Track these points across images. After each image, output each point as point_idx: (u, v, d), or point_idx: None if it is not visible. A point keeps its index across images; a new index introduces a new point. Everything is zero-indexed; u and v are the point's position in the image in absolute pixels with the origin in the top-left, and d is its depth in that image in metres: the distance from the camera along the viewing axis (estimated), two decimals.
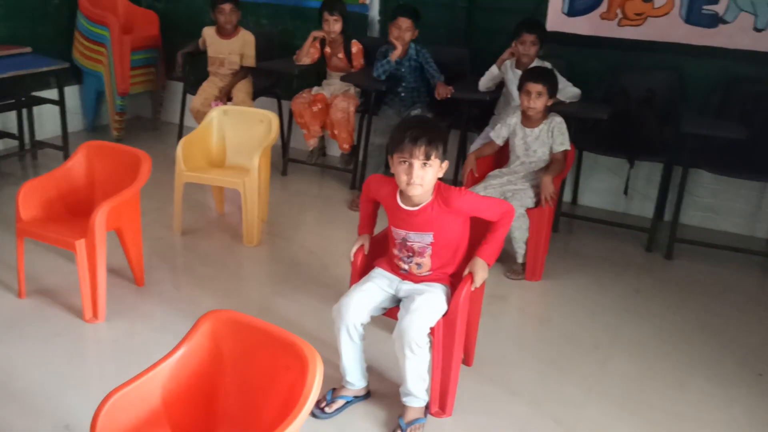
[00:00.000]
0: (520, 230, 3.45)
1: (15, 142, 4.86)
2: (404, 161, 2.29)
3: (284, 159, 4.81)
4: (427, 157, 2.27)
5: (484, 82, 4.11)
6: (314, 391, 1.67)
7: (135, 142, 4.75)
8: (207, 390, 1.87)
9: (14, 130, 4.81)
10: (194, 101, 4.67)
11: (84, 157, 3.20)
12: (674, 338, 3.07)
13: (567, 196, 4.45)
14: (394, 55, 4.21)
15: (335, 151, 5.01)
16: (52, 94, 4.72)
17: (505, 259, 3.60)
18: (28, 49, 4.69)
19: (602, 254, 3.90)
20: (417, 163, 2.27)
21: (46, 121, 4.92)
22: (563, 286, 3.51)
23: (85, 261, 2.86)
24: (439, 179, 2.41)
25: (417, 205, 2.38)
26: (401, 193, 2.41)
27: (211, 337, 1.88)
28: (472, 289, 2.42)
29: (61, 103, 4.56)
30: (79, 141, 4.88)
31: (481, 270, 2.42)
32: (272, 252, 3.74)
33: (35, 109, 4.76)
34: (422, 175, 2.29)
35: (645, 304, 3.36)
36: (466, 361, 2.77)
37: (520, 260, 3.55)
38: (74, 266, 3.29)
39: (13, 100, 4.61)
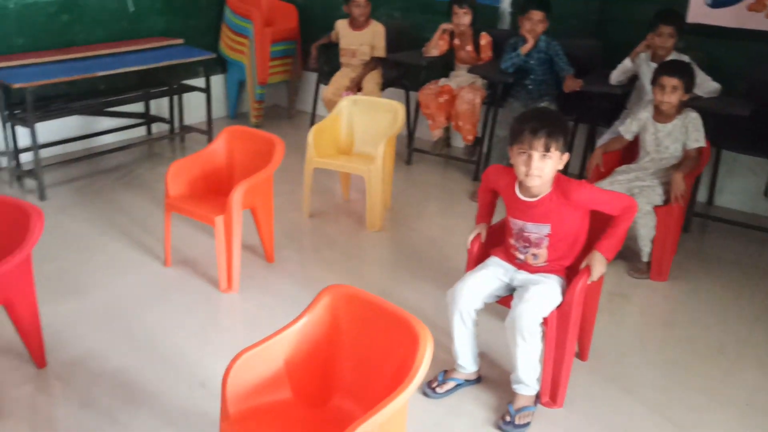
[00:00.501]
0: (646, 228, 3.35)
1: (166, 126, 5.30)
2: (523, 152, 2.32)
3: (409, 149, 4.92)
4: (547, 149, 2.29)
5: (616, 75, 4.00)
6: (424, 365, 1.75)
7: (271, 129, 4.99)
8: (325, 358, 2.01)
9: (165, 115, 5.24)
10: (326, 91, 4.88)
11: (225, 141, 3.46)
12: None
13: (702, 196, 4.26)
14: (525, 49, 4.19)
15: (460, 142, 5.06)
16: (199, 82, 5.09)
17: (630, 256, 3.51)
18: (181, 41, 5.08)
19: (736, 258, 3.70)
20: (536, 155, 2.29)
21: (194, 108, 5.32)
22: (690, 289, 3.38)
23: (222, 236, 3.10)
24: (560, 171, 2.41)
25: (535, 196, 2.40)
26: (520, 183, 2.43)
27: (330, 310, 2.01)
28: (589, 282, 2.40)
29: (207, 91, 4.91)
30: (221, 126, 5.26)
31: (598, 264, 2.40)
32: (394, 238, 3.86)
33: (184, 96, 5.16)
34: (541, 166, 2.30)
35: None
36: (581, 355, 2.75)
37: (645, 259, 3.45)
38: (213, 241, 3.58)
39: (166, 88, 5.02)
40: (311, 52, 5.04)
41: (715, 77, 3.77)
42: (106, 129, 5.05)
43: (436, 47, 4.61)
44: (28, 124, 4.03)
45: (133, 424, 2.36)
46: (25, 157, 4.45)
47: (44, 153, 4.42)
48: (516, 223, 2.48)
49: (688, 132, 3.37)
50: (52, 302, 2.98)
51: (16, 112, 4.25)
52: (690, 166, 3.37)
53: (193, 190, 3.37)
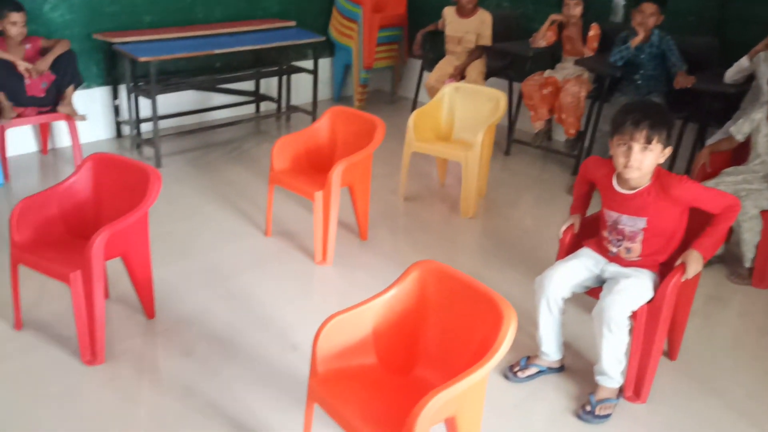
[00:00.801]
0: (751, 232, 3.23)
1: (273, 105, 5.52)
2: (624, 143, 2.30)
3: (508, 139, 4.92)
4: (648, 141, 2.26)
5: (731, 74, 3.85)
6: (506, 342, 1.79)
7: (373, 113, 5.15)
8: (410, 328, 2.08)
9: (274, 94, 5.46)
10: (430, 78, 4.94)
11: (329, 120, 3.60)
12: None
13: None
14: (635, 41, 4.10)
15: (560, 135, 5.01)
16: (307, 64, 5.29)
17: (731, 261, 3.40)
18: (293, 23, 5.28)
19: None
20: (636, 147, 2.27)
21: (300, 88, 5.51)
22: None
23: (320, 210, 3.24)
24: (660, 165, 2.38)
25: (633, 188, 2.38)
26: (618, 175, 2.41)
27: (419, 283, 2.08)
28: (683, 280, 2.36)
29: (315, 72, 5.09)
30: (325, 108, 5.44)
31: (694, 262, 2.35)
32: (486, 225, 3.89)
33: (292, 76, 5.35)
34: (640, 158, 2.28)
35: None
36: (670, 354, 2.71)
37: (747, 264, 3.32)
38: (311, 215, 3.74)
39: (277, 68, 5.23)
40: (416, 39, 5.11)
41: None
42: (218, 105, 5.33)
43: (544, 38, 4.57)
44: (151, 95, 4.32)
45: (229, 377, 2.53)
46: (144, 127, 4.77)
47: (161, 124, 4.72)
48: (611, 215, 2.46)
49: None
50: (162, 262, 3.20)
51: (140, 84, 4.57)
52: None
53: (296, 166, 3.52)
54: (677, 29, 4.23)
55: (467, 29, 4.84)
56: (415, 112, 3.98)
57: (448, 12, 4.94)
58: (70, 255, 2.57)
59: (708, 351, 2.82)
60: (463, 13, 4.85)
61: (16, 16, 3.99)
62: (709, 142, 3.76)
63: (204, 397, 2.43)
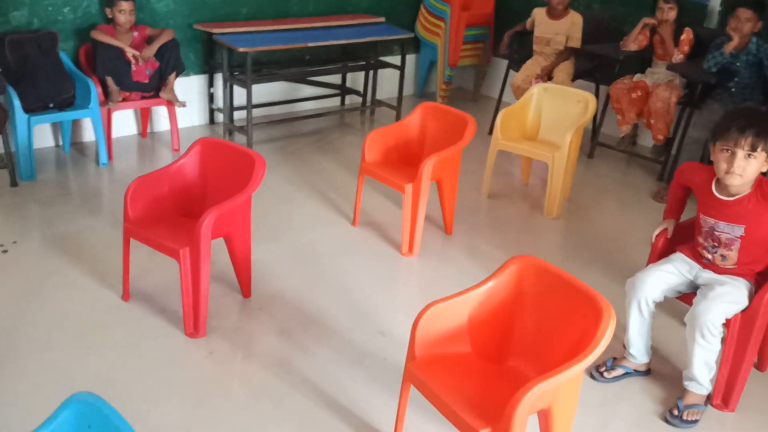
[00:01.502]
0: None
1: (358, 99, 5.65)
2: (727, 150, 2.29)
3: (593, 142, 4.90)
4: (753, 149, 2.25)
5: None
6: (606, 338, 1.84)
7: None
8: (506, 320, 2.15)
9: (359, 88, 5.58)
10: (516, 77, 4.96)
11: (420, 115, 3.68)
12: None
13: None
14: (729, 47, 4.02)
15: (646, 140, 4.95)
16: (393, 60, 5.38)
17: None
18: (382, 19, 5.38)
19: None
20: (740, 153, 2.26)
21: (385, 83, 5.61)
22: None
23: (409, 203, 3.33)
24: (763, 174, 2.36)
25: (733, 195, 2.37)
26: (717, 181, 2.41)
27: (516, 277, 2.14)
28: None
29: (402, 68, 5.18)
30: (408, 103, 5.55)
31: None
32: (569, 226, 3.90)
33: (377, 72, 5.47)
34: (744, 165, 2.27)
35: None
36: (760, 365, 2.69)
37: None
38: (397, 207, 3.83)
39: (364, 62, 5.35)
40: (503, 39, 5.14)
41: None
42: (305, 96, 5.48)
43: (635, 41, 4.53)
44: (246, 85, 4.49)
45: (321, 357, 2.65)
46: (236, 115, 4.96)
47: (252, 113, 4.90)
48: (707, 221, 2.46)
49: None
50: (256, 244, 3.34)
51: (235, 73, 4.75)
52: None
53: (385, 158, 3.62)
54: None
55: (557, 31, 4.84)
56: (502, 111, 4.02)
57: (538, 13, 4.95)
58: (179, 232, 2.74)
59: None
60: (554, 14, 4.85)
61: (124, 5, 4.22)
62: None
63: (299, 373, 2.55)
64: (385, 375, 2.57)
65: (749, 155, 2.26)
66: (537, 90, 4.16)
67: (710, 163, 2.41)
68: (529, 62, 4.99)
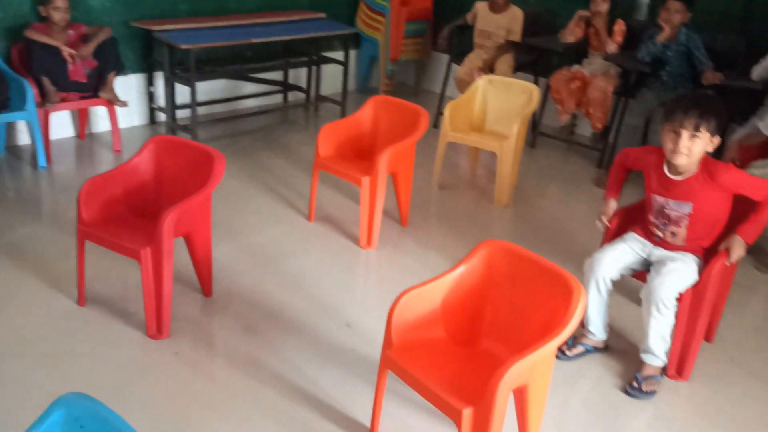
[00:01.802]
0: None
1: (301, 95, 5.63)
2: (673, 130, 2.42)
3: (534, 132, 5.04)
4: (696, 129, 2.38)
5: (758, 72, 3.98)
6: (576, 316, 1.92)
7: None
8: (478, 303, 2.21)
9: (302, 85, 5.56)
10: (459, 71, 5.06)
11: (372, 109, 3.71)
12: None
13: None
14: (661, 37, 4.22)
15: (584, 129, 5.13)
16: (333, 55, 5.39)
17: (756, 251, 3.53)
18: (323, 15, 5.38)
19: None
20: (685, 134, 2.39)
21: (326, 79, 5.61)
22: None
23: (367, 195, 3.35)
24: (708, 154, 2.50)
25: (682, 174, 2.50)
26: (668, 161, 2.53)
27: (486, 261, 2.21)
28: (727, 264, 2.49)
29: (345, 64, 5.20)
30: (351, 99, 5.56)
31: (738, 247, 2.48)
32: (519, 214, 4.02)
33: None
34: (689, 145, 2.40)
35: None
36: (708, 336, 2.84)
37: None
38: (353, 202, 3.85)
39: (307, 58, 5.34)
40: (442, 33, 5.21)
41: None
42: (247, 94, 5.43)
43: (572, 34, 4.69)
44: (190, 83, 4.42)
45: (289, 352, 2.65)
46: (179, 114, 4.87)
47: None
48: (657, 200, 2.58)
49: None
50: (212, 243, 3.31)
51: (177, 71, 4.66)
52: None
53: (339, 152, 3.63)
54: (703, 27, 4.35)
55: (499, 24, 4.96)
56: (450, 104, 4.09)
57: (481, 6, 5.05)
58: (136, 233, 2.68)
59: (740, 335, 2.96)
60: (496, 8, 4.96)
61: (59, 2, 4.09)
62: (735, 137, 3.89)
63: (270, 369, 2.54)
64: (355, 366, 2.59)
65: (693, 135, 2.39)
66: (482, 82, 4.26)
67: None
68: (471, 55, 5.08)
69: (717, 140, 2.45)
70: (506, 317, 2.17)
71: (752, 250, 3.53)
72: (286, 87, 5.58)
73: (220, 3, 5.08)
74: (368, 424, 2.28)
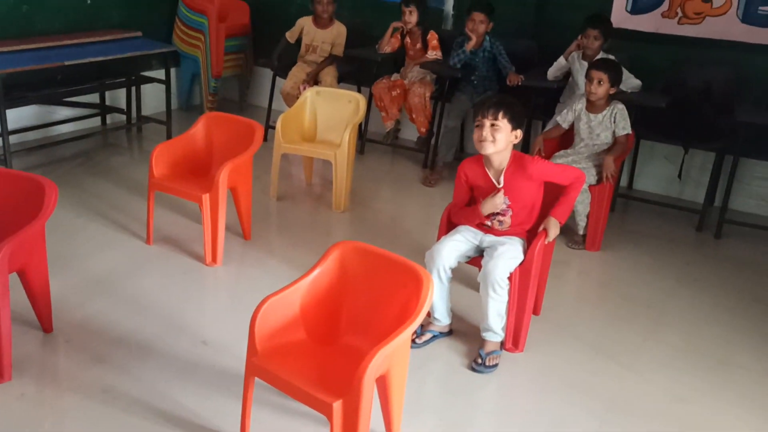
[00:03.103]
0: (582, 204, 3.83)
1: (121, 117, 5.42)
2: (478, 123, 2.73)
3: (362, 139, 5.26)
4: (495, 117, 2.69)
5: (552, 72, 4.48)
6: (428, 302, 2.10)
7: None
8: (335, 302, 2.33)
9: (121, 106, 5.36)
10: (285, 85, 5.15)
11: (205, 126, 3.70)
12: (721, 302, 3.43)
13: (623, 181, 4.80)
14: (469, 46, 4.62)
15: (409, 134, 5.44)
16: (152, 74, 5.26)
17: (566, 231, 3.98)
18: (139, 33, 5.23)
19: (655, 232, 4.25)
20: (486, 122, 2.70)
21: (146, 99, 5.44)
22: (620, 257, 3.88)
23: (208, 212, 3.35)
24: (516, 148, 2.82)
25: (498, 171, 2.80)
26: (486, 159, 2.82)
27: (339, 261, 2.33)
28: (546, 242, 2.82)
29: (167, 82, 5.09)
30: (176, 117, 5.45)
31: (553, 227, 2.82)
32: (358, 217, 4.20)
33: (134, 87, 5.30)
34: (491, 132, 2.69)
35: (695, 274, 3.72)
36: (535, 310, 3.17)
37: (581, 232, 3.93)
38: (191, 221, 3.82)
39: (124, 79, 5.16)
40: (273, 57, 5.28)
41: (637, 75, 4.30)
42: (62, 119, 5.14)
43: (388, 44, 4.97)
44: None
45: (147, 376, 2.60)
46: None
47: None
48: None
49: (616, 121, 3.87)
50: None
51: None
52: (619, 150, 3.87)
53: (174, 172, 3.58)
54: (503, 33, 4.81)
55: (324, 39, 5.13)
56: (281, 116, 4.18)
57: (306, 21, 5.19)
58: None
59: (562, 304, 3.34)
60: (321, 24, 5.14)
61: None
62: (541, 132, 4.35)
63: (127, 397, 2.48)
64: (218, 381, 2.60)
65: (493, 124, 2.69)
66: (310, 94, 4.39)
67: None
68: (295, 68, 5.20)
69: (519, 133, 2.77)
70: (363, 312, 2.31)
71: (563, 230, 3.99)
72: (103, 109, 5.35)
73: (24, 25, 4.77)
74: None
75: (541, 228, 2.84)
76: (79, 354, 2.71)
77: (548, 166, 2.86)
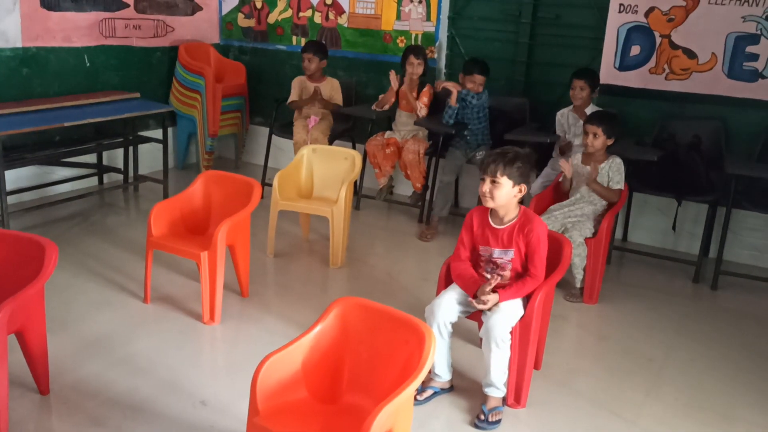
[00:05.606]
0: (579, 257, 3.84)
1: (118, 176, 5.46)
2: (481, 178, 2.77)
3: (357, 195, 5.31)
4: (494, 175, 2.72)
5: (537, 188, 4.50)
6: (430, 358, 2.09)
7: None
8: (337, 360, 2.31)
9: (119, 165, 5.41)
10: (296, 136, 5.13)
11: (203, 184, 3.73)
12: (722, 354, 3.42)
13: (618, 234, 4.83)
14: (452, 100, 4.69)
15: (404, 189, 5.49)
16: (149, 134, 5.33)
17: (564, 284, 3.99)
18: (137, 95, 5.32)
19: (652, 284, 4.27)
20: (487, 179, 2.75)
21: (143, 158, 5.49)
22: (618, 309, 3.88)
23: (206, 270, 3.35)
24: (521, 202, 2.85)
25: (504, 224, 2.82)
26: (491, 212, 2.85)
27: (341, 318, 2.33)
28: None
29: (164, 142, 5.15)
30: (173, 176, 5.49)
31: (491, 301, 2.71)
32: (354, 273, 4.20)
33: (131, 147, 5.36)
34: (490, 189, 2.73)
35: (694, 327, 3.71)
36: (536, 364, 3.15)
37: (578, 285, 3.93)
38: (188, 279, 3.81)
39: (122, 139, 5.21)
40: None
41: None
42: (59, 179, 5.18)
43: (387, 102, 5.08)
44: None
45: None
46: None
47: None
48: (486, 251, 2.87)
49: (610, 176, 3.93)
50: None
51: None
52: (608, 193, 3.90)
53: (172, 230, 3.60)
54: (493, 92, 4.91)
55: (321, 90, 5.24)
56: (278, 174, 4.23)
57: (300, 79, 5.29)
58: None
59: (562, 359, 3.32)
60: (313, 79, 5.26)
61: None
62: (532, 189, 4.36)
63: None
64: None
65: (493, 181, 2.73)
66: (306, 151, 4.45)
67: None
68: (297, 123, 5.25)
69: (524, 188, 2.80)
70: (365, 369, 2.30)
71: (561, 285, 4.01)
72: (101, 169, 5.39)
73: (23, 88, 4.85)
74: None
75: (493, 285, 2.73)
76: (77, 416, 2.66)
77: (538, 244, 2.78)
